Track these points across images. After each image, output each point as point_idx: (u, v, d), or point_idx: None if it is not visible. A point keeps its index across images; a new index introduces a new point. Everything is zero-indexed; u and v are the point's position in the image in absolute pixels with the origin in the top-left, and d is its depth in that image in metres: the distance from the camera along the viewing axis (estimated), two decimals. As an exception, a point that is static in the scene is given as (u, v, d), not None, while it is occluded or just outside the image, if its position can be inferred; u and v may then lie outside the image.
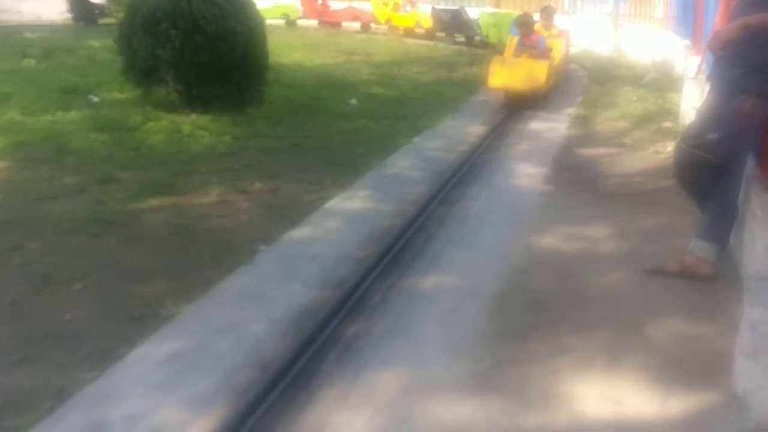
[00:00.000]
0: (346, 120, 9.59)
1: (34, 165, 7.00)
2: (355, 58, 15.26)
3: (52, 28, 18.38)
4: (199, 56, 8.97)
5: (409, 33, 21.22)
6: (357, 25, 23.01)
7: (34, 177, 6.69)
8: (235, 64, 9.22)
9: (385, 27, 22.09)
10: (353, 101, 10.81)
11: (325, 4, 24.09)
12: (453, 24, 19.97)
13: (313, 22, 23.96)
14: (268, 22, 21.85)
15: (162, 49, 8.93)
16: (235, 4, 9.37)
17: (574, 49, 17.28)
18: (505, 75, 10.99)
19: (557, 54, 12.42)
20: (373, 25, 22.90)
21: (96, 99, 9.78)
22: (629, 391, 3.60)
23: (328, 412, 3.40)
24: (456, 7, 20.71)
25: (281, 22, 22.98)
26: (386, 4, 22.09)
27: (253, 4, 10.07)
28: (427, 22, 20.69)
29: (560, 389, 3.61)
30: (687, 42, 12.50)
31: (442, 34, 21.01)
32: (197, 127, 8.53)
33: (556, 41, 12.86)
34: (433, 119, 9.98)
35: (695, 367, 3.81)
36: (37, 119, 8.58)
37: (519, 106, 10.74)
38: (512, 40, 12.57)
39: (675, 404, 3.49)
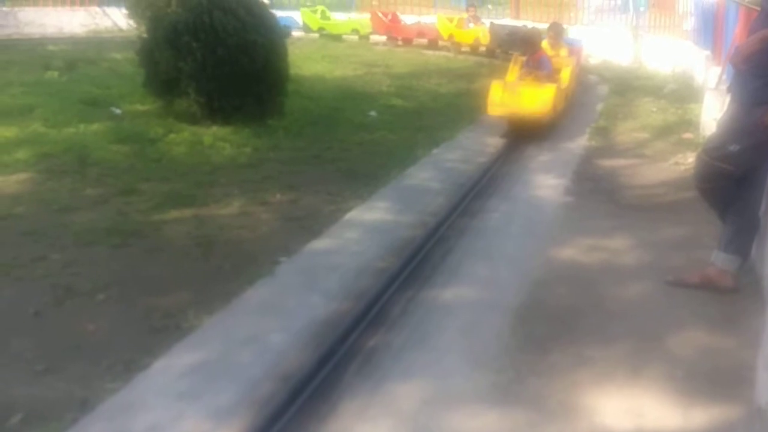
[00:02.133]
0: (366, 131, 9.62)
1: (57, 176, 7.07)
2: (374, 70, 15.29)
3: (74, 40, 18.53)
4: (221, 69, 9.03)
5: (474, 50, 19.75)
6: (424, 42, 21.45)
7: (57, 188, 6.76)
8: (256, 77, 9.27)
9: (448, 43, 20.78)
10: (373, 113, 10.83)
11: (394, 20, 22.60)
12: (511, 40, 17.88)
13: (384, 38, 22.31)
14: (345, 36, 21.60)
15: (184, 61, 8.99)
16: (256, 17, 9.43)
17: (594, 60, 17.26)
18: (506, 101, 9.56)
19: (566, 76, 10.93)
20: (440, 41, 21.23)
21: (118, 111, 9.85)
22: (651, 403, 3.59)
23: (349, 424, 3.41)
24: (515, 23, 19.83)
25: (354, 37, 22.21)
26: (451, 20, 20.92)
27: (274, 17, 10.12)
28: (486, 39, 19.37)
29: (581, 401, 3.61)
30: (707, 52, 12.47)
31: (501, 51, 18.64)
32: (218, 139, 8.59)
33: (565, 61, 11.46)
34: (452, 130, 9.98)
35: (717, 379, 3.79)
36: (59, 131, 8.65)
37: (523, 135, 9.50)
38: (515, 61, 11.19)
39: (697, 416, 3.48)
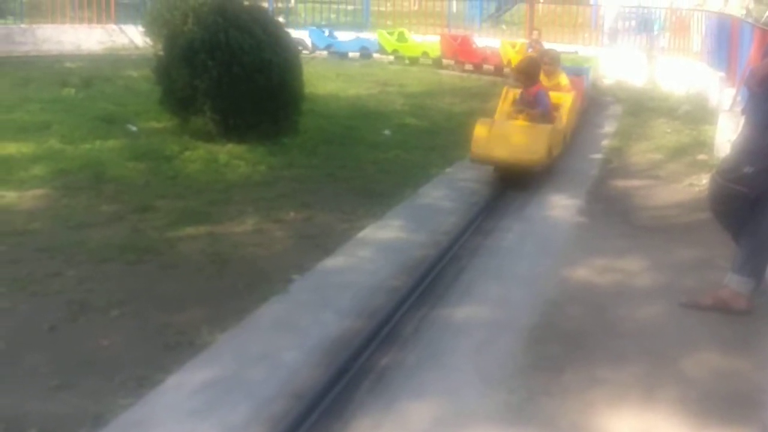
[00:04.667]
0: (380, 150, 9.63)
1: (73, 193, 7.11)
2: (388, 89, 15.32)
3: (91, 57, 18.66)
4: (236, 87, 9.07)
5: None
6: (491, 68, 19.22)
7: (73, 204, 6.80)
8: (271, 95, 9.31)
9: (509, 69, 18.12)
10: (386, 131, 10.85)
11: (464, 43, 20.17)
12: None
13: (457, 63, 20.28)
14: (422, 61, 20.61)
15: (199, 79, 9.05)
16: (271, 35, 9.49)
17: (608, 81, 17.25)
18: (493, 143, 8.02)
19: (565, 113, 9.35)
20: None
21: (134, 128, 9.91)
22: (664, 425, 3.58)
23: (361, 442, 3.41)
24: (565, 48, 18.38)
25: (426, 60, 20.70)
26: (513, 46, 18.98)
27: (289, 35, 10.17)
28: None
29: (594, 422, 3.60)
30: (721, 74, 12.46)
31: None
32: (233, 157, 8.63)
33: (563, 96, 9.77)
34: (465, 150, 9.90)
35: (731, 401, 3.78)
36: (76, 147, 8.70)
37: (513, 184, 8.00)
38: (506, 94, 9.60)
39: (710, 439, 3.47)
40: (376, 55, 21.36)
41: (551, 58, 10.80)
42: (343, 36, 22.37)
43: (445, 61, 20.23)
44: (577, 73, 12.76)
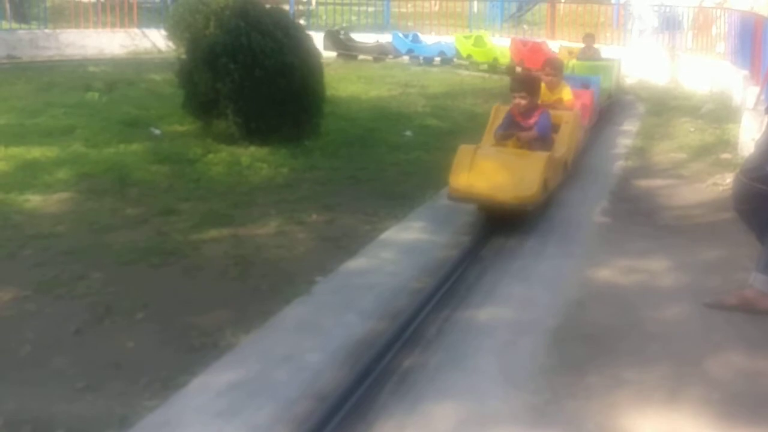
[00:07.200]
0: (401, 152, 9.64)
1: (98, 196, 7.16)
2: (410, 90, 15.29)
3: (114, 61, 18.77)
4: (258, 90, 9.11)
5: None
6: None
7: (98, 208, 6.85)
8: (293, 98, 9.34)
9: None
10: (408, 133, 10.86)
11: (534, 49, 18.41)
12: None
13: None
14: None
15: (222, 83, 9.09)
16: (293, 39, 9.51)
17: (630, 80, 17.16)
18: (475, 176, 6.45)
19: (566, 136, 7.64)
20: None
21: (157, 132, 9.96)
22: (689, 426, 3.56)
23: (385, 444, 3.42)
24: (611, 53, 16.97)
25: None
26: (571, 52, 17.09)
27: (311, 39, 10.19)
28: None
29: (618, 423, 3.59)
30: (745, 72, 12.37)
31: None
32: (256, 160, 8.66)
33: (565, 115, 7.99)
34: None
35: (756, 402, 3.76)
36: (100, 151, 8.76)
37: (502, 222, 6.51)
38: (497, 113, 7.82)
39: (736, 441, 3.45)
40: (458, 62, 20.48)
41: (554, 68, 9.15)
42: (426, 41, 21.94)
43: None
44: (584, 84, 10.98)
